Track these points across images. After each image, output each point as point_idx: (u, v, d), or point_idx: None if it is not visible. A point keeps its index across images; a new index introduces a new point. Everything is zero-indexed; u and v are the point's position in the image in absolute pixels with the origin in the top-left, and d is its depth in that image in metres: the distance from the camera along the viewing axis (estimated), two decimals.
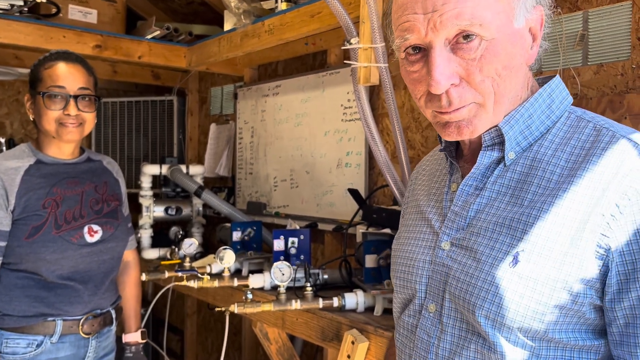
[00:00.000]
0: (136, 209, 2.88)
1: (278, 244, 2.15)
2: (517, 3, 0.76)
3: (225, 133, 3.22)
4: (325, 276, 2.10)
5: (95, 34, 2.58)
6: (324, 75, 2.45)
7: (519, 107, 0.81)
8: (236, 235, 2.48)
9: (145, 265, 2.79)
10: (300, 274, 1.98)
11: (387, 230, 1.99)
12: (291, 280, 1.98)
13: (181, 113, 3.57)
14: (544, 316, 0.73)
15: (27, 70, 1.95)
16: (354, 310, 1.76)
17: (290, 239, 2.14)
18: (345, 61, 1.70)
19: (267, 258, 2.45)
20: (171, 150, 3.53)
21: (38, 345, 1.56)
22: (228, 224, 2.61)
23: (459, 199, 0.85)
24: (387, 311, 1.73)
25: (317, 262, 2.57)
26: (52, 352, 1.58)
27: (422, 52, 0.77)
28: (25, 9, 2.40)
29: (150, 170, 2.82)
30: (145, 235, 2.82)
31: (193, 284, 2.01)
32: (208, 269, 2.32)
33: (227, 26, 2.53)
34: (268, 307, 1.71)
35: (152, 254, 2.80)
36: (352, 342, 1.62)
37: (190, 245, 2.31)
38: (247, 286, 2.08)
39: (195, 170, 2.90)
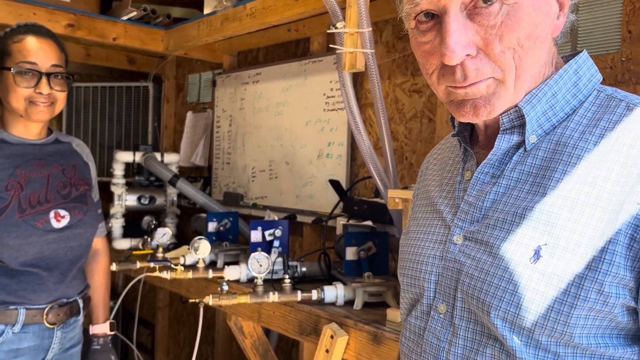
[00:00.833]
0: (108, 197, 2.79)
1: (255, 236, 2.10)
2: None
3: (203, 121, 3.14)
4: (304, 269, 2.05)
5: (68, 13, 2.48)
6: (307, 63, 2.40)
7: (542, 84, 0.73)
8: (212, 226, 2.41)
9: (116, 255, 2.70)
10: (279, 266, 1.93)
11: (369, 223, 1.95)
12: (269, 273, 1.93)
13: (157, 100, 3.48)
14: (569, 318, 0.66)
15: None
16: (333, 304, 1.72)
17: (268, 231, 2.09)
18: (330, 45, 1.65)
19: (244, 250, 2.39)
20: (146, 139, 3.44)
21: None
22: (203, 215, 2.54)
23: (473, 188, 0.78)
24: (367, 305, 1.69)
25: (295, 254, 2.52)
26: (14, 342, 1.50)
27: (435, 19, 0.69)
28: None
29: (123, 157, 2.73)
30: (117, 224, 2.74)
31: (166, 275, 1.94)
32: (182, 260, 2.25)
33: (207, 9, 2.46)
34: (244, 299, 1.65)
35: (123, 244, 2.71)
36: (331, 337, 1.57)
37: (164, 235, 2.23)
38: (222, 278, 2.02)
39: (171, 158, 2.82)
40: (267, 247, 2.10)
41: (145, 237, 2.55)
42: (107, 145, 3.44)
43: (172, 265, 1.97)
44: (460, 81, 0.69)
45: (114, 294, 2.71)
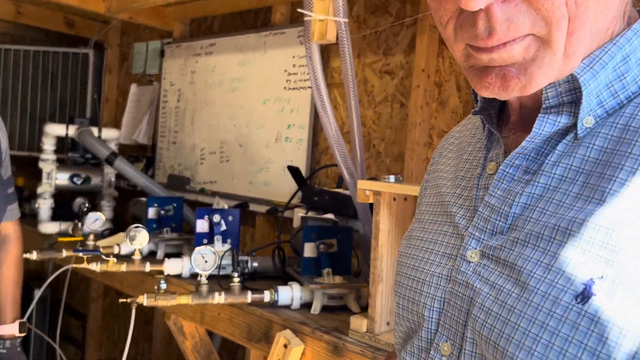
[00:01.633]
0: (36, 175, 2.48)
1: (201, 225, 1.87)
2: None
3: (148, 95, 2.86)
4: (255, 264, 1.85)
5: None
6: (267, 36, 2.17)
7: (609, 44, 0.52)
8: (152, 212, 2.16)
9: (41, 240, 2.41)
10: (227, 261, 1.71)
11: (330, 216, 1.76)
12: (215, 268, 1.72)
13: (98, 69, 3.16)
14: None
15: None
16: (287, 307, 1.52)
17: (216, 220, 1.86)
18: (298, 10, 1.44)
19: (188, 240, 2.16)
20: (84, 111, 3.12)
21: None
22: (144, 199, 2.28)
23: (497, 186, 0.57)
24: (327, 309, 1.50)
25: (246, 247, 2.31)
26: None
27: None
28: None
29: (55, 130, 2.43)
30: (45, 206, 2.44)
31: (95, 266, 1.69)
32: (116, 250, 2.00)
33: None
34: (185, 300, 1.43)
35: (51, 227, 2.42)
36: (285, 345, 1.38)
37: (96, 220, 1.97)
38: (161, 272, 1.78)
39: (109, 134, 2.54)
40: (214, 238, 1.88)
41: (76, 221, 2.27)
42: (38, 116, 3.10)
43: (103, 256, 1.72)
44: (482, 37, 0.48)
45: (41, 280, 2.43)
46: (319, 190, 1.84)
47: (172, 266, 1.78)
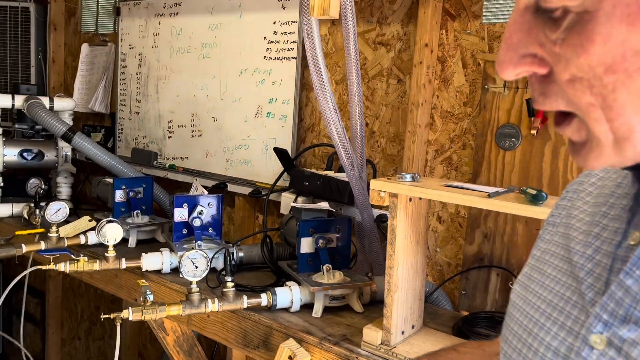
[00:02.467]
0: None
1: (180, 214, 1.70)
2: None
3: (103, 58, 2.58)
4: (241, 254, 1.72)
5: None
6: None
7: None
8: (120, 195, 1.97)
9: None
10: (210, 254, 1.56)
11: (324, 204, 1.62)
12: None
13: (41, 26, 2.82)
14: None
15: None
16: (286, 309, 1.41)
17: (197, 208, 1.70)
18: None
19: (161, 225, 1.99)
20: (27, 75, 2.80)
21: None
22: (108, 179, 2.07)
23: (638, 264, 0.47)
24: (328, 309, 1.40)
25: (228, 231, 2.15)
26: None
27: None
28: None
29: None
30: None
31: (64, 267, 1.51)
32: (82, 240, 1.81)
33: None
34: (176, 310, 1.29)
35: (3, 210, 2.19)
36: (290, 358, 1.27)
37: (58, 210, 1.77)
38: (139, 269, 1.62)
39: (62, 104, 2.28)
40: (194, 228, 1.72)
41: (32, 206, 2.05)
42: None
43: (72, 255, 1.54)
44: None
45: None
46: (310, 174, 1.70)
47: (150, 262, 1.62)
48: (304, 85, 1.85)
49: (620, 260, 0.49)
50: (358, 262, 1.62)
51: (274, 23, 1.86)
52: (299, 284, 1.43)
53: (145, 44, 2.31)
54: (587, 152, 0.46)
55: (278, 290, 1.40)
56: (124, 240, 1.88)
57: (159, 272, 1.64)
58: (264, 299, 1.38)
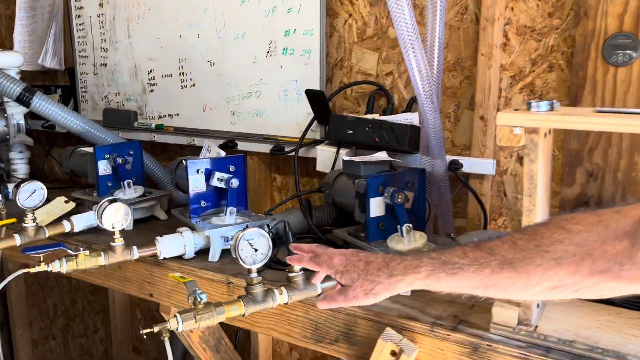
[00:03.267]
0: None
1: (196, 183, 1.36)
2: None
3: (47, 1, 2.10)
4: (277, 226, 1.40)
5: None
6: None
7: None
8: (104, 167, 1.59)
9: None
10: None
11: (382, 155, 1.32)
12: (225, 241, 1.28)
13: None
14: None
15: None
16: None
17: (215, 174, 1.36)
18: None
19: (159, 198, 1.63)
20: None
21: None
22: (86, 149, 1.68)
23: None
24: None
25: None
26: None
27: None
28: None
29: None
30: None
31: (60, 267, 1.16)
32: (67, 227, 1.44)
33: None
34: (236, 310, 0.98)
35: None
36: (393, 353, 0.99)
37: (33, 193, 1.38)
38: (154, 257, 1.28)
39: (8, 59, 1.84)
40: (215, 198, 1.39)
41: None
42: None
43: (70, 251, 1.18)
44: None
45: None
46: (354, 119, 1.39)
47: (169, 247, 1.28)
48: (327, 10, 1.50)
49: None
50: (429, 224, 1.34)
51: None
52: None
53: None
54: None
55: None
56: None
57: (179, 258, 1.31)
58: None
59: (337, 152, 1.42)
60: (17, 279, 2.60)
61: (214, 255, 1.30)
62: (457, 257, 0.80)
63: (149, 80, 1.85)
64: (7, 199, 1.68)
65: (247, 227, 1.01)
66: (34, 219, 1.37)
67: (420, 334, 1.00)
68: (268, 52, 1.58)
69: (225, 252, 1.32)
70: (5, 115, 1.91)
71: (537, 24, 1.27)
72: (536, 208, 0.90)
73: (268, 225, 1.36)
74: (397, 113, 1.45)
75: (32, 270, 1.15)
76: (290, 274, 1.04)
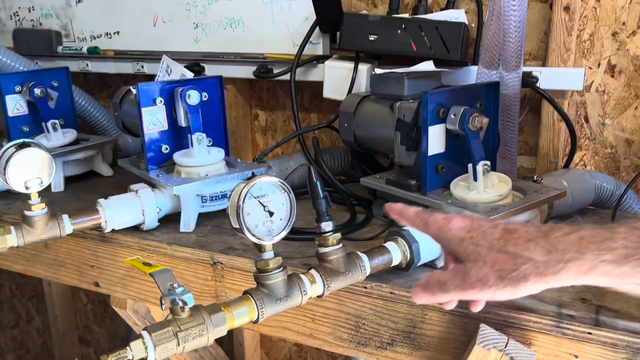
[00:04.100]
0: None
1: (152, 119, 0.93)
2: None
3: None
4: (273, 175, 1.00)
5: None
6: None
7: None
8: (16, 103, 1.14)
9: None
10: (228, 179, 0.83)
11: (429, 65, 0.93)
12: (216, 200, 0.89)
13: None
14: None
15: None
16: (429, 266, 0.75)
17: (183, 104, 0.94)
18: None
19: (100, 146, 1.19)
20: None
21: None
22: None
23: None
24: None
25: None
26: None
27: None
28: None
29: None
30: None
31: None
32: None
33: None
34: (245, 316, 0.59)
35: None
36: None
37: None
38: (98, 229, 0.87)
39: None
40: (182, 140, 0.96)
41: None
42: None
43: None
44: None
45: None
46: (380, 19, 0.98)
47: (119, 213, 0.86)
48: None
49: None
50: (501, 153, 0.97)
51: None
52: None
53: None
54: None
55: (413, 230, 0.73)
56: None
57: (136, 230, 0.90)
58: (395, 254, 0.70)
59: (356, 69, 1.02)
60: None
61: (187, 223, 0.90)
62: None
63: None
64: None
65: (252, 175, 0.61)
66: None
67: (537, 332, 0.64)
68: None
69: (203, 218, 0.92)
70: None
71: None
72: None
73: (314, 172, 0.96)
74: (432, 12, 1.05)
75: None
76: (324, 249, 0.66)
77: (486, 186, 0.79)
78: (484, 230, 0.50)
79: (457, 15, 1.01)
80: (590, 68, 0.99)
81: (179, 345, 0.54)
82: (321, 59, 1.10)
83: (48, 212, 0.81)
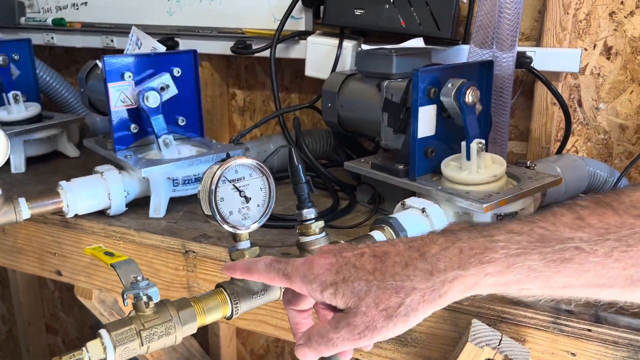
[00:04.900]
0: None
1: (120, 95, 0.87)
2: None
3: None
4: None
5: None
6: None
7: None
8: None
9: None
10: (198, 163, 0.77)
11: (418, 41, 0.88)
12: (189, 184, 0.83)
13: None
14: None
15: None
16: None
17: (155, 80, 0.87)
18: None
19: (65, 124, 1.12)
20: None
21: None
22: None
23: None
24: None
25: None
26: None
27: None
28: None
29: None
30: None
31: None
32: None
33: None
34: (218, 313, 0.54)
35: None
36: None
37: None
38: (60, 213, 0.81)
39: None
40: (141, 117, 0.90)
41: None
42: None
43: None
44: None
45: None
46: None
47: (82, 197, 0.80)
48: None
49: None
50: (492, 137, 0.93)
51: None
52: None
53: None
54: None
55: (402, 217, 0.68)
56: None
57: (101, 215, 0.83)
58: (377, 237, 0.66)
59: (340, 46, 0.96)
60: None
61: (157, 208, 0.84)
62: (566, 229, 0.41)
63: None
64: None
65: (227, 156, 0.55)
66: None
67: (533, 328, 0.60)
68: None
69: (175, 203, 0.86)
70: None
71: None
72: None
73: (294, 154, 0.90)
74: None
75: None
76: (305, 238, 0.61)
77: (479, 166, 0.74)
78: (352, 263, 0.45)
79: None
80: (585, 49, 0.95)
81: (142, 345, 0.48)
82: (303, 34, 1.04)
83: (3, 195, 0.74)
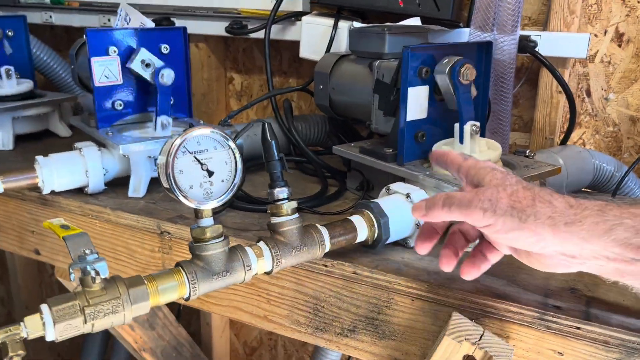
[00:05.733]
0: None
1: (105, 70, 0.84)
2: None
3: None
4: (240, 141, 0.92)
5: None
6: None
7: None
8: None
9: None
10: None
11: (415, 20, 0.84)
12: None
13: None
14: None
15: None
16: (401, 245, 0.67)
17: (140, 54, 0.84)
18: None
19: (56, 103, 1.10)
20: None
21: None
22: None
23: None
24: None
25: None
26: None
27: None
28: None
29: None
30: None
31: None
32: None
33: None
34: (174, 293, 0.50)
35: None
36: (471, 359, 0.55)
37: None
38: (36, 190, 0.78)
39: None
40: (139, 96, 0.87)
41: None
42: None
43: None
44: None
45: None
46: None
47: (59, 174, 0.77)
48: None
49: None
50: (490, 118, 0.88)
51: None
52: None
53: None
54: None
55: (384, 203, 0.64)
56: None
57: (80, 192, 0.81)
58: (360, 229, 0.62)
59: (335, 26, 0.92)
60: None
61: (137, 188, 0.81)
62: None
63: None
64: None
65: (191, 126, 0.52)
66: None
67: (518, 324, 0.56)
68: None
69: (158, 184, 0.83)
70: None
71: None
72: None
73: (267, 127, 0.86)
74: None
75: None
76: (277, 218, 0.57)
77: (473, 151, 0.70)
78: (518, 182, 0.47)
79: None
80: (595, 36, 0.90)
81: (86, 322, 0.45)
82: (300, 15, 1.00)
83: None
